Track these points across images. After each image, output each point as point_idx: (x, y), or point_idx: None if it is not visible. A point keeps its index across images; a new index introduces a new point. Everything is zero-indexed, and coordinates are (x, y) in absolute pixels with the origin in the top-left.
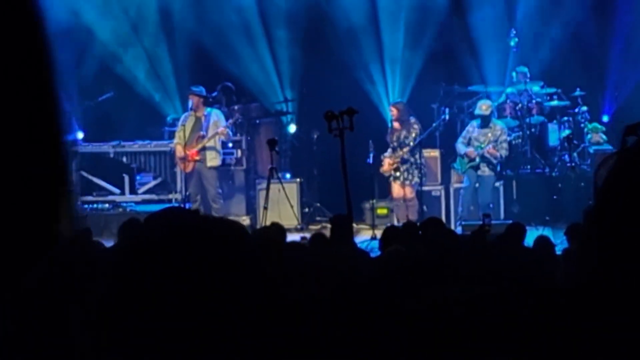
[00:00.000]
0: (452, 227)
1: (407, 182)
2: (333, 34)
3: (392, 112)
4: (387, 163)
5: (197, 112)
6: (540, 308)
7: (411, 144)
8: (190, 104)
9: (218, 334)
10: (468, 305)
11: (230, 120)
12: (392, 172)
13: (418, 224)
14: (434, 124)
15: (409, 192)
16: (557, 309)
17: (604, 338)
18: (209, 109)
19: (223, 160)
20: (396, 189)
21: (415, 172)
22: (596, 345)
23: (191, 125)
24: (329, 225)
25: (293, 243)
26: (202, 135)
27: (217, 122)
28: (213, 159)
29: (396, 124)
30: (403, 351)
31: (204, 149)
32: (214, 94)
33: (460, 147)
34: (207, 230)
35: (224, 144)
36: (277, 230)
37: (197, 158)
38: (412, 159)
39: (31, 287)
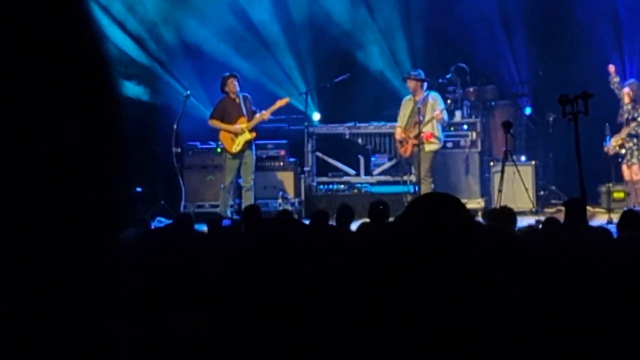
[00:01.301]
0: None
1: (629, 163)
2: (570, 15)
3: (626, 93)
4: (612, 142)
5: (416, 95)
6: None
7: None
8: (421, 87)
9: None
10: None
11: (445, 105)
12: (618, 150)
13: None
14: None
15: (634, 174)
16: None
17: None
18: (427, 92)
19: (457, 143)
20: (624, 170)
21: (636, 152)
22: None
23: (410, 109)
24: (564, 209)
25: (526, 227)
26: (419, 121)
27: (434, 104)
28: (431, 144)
29: (626, 100)
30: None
31: (419, 135)
32: (448, 75)
33: None
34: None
35: (458, 126)
36: (507, 213)
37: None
38: (637, 138)
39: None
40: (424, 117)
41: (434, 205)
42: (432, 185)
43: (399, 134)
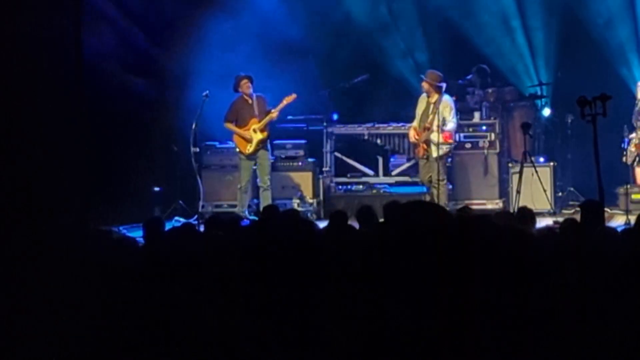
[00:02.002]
0: None
1: None
2: (589, 16)
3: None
4: (631, 149)
5: (430, 97)
6: None
7: None
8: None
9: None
10: None
11: (456, 113)
12: (637, 156)
13: None
14: None
15: None
16: None
17: None
18: (442, 95)
19: (476, 144)
20: (638, 173)
21: None
22: None
23: (422, 109)
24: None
25: (544, 228)
26: (427, 127)
27: (442, 111)
28: (436, 150)
29: None
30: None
31: (428, 141)
32: (469, 76)
33: None
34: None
35: (477, 127)
36: (526, 214)
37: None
38: None
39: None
40: (432, 124)
41: (412, 210)
42: (450, 186)
43: (412, 136)
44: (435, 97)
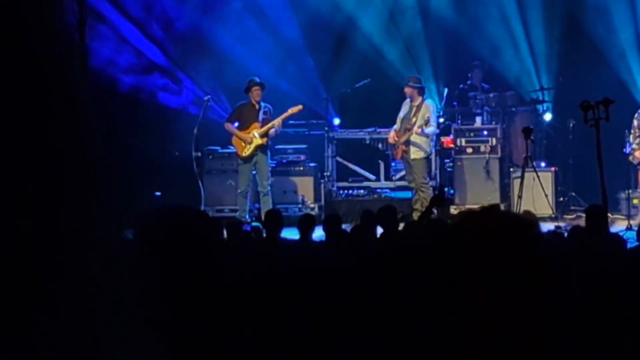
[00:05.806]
0: None
1: None
2: (590, 21)
3: None
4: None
5: (413, 101)
6: None
7: None
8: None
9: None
10: None
11: (436, 118)
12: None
13: None
14: None
15: None
16: None
17: None
18: (424, 99)
19: (477, 149)
20: None
21: None
22: None
23: (404, 113)
24: (584, 215)
25: (550, 232)
26: (408, 128)
27: (425, 114)
28: (415, 152)
29: None
30: None
31: (408, 142)
32: (470, 81)
33: None
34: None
35: (479, 132)
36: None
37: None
38: None
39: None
40: (414, 125)
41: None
42: (430, 191)
43: (391, 137)
44: (418, 100)
